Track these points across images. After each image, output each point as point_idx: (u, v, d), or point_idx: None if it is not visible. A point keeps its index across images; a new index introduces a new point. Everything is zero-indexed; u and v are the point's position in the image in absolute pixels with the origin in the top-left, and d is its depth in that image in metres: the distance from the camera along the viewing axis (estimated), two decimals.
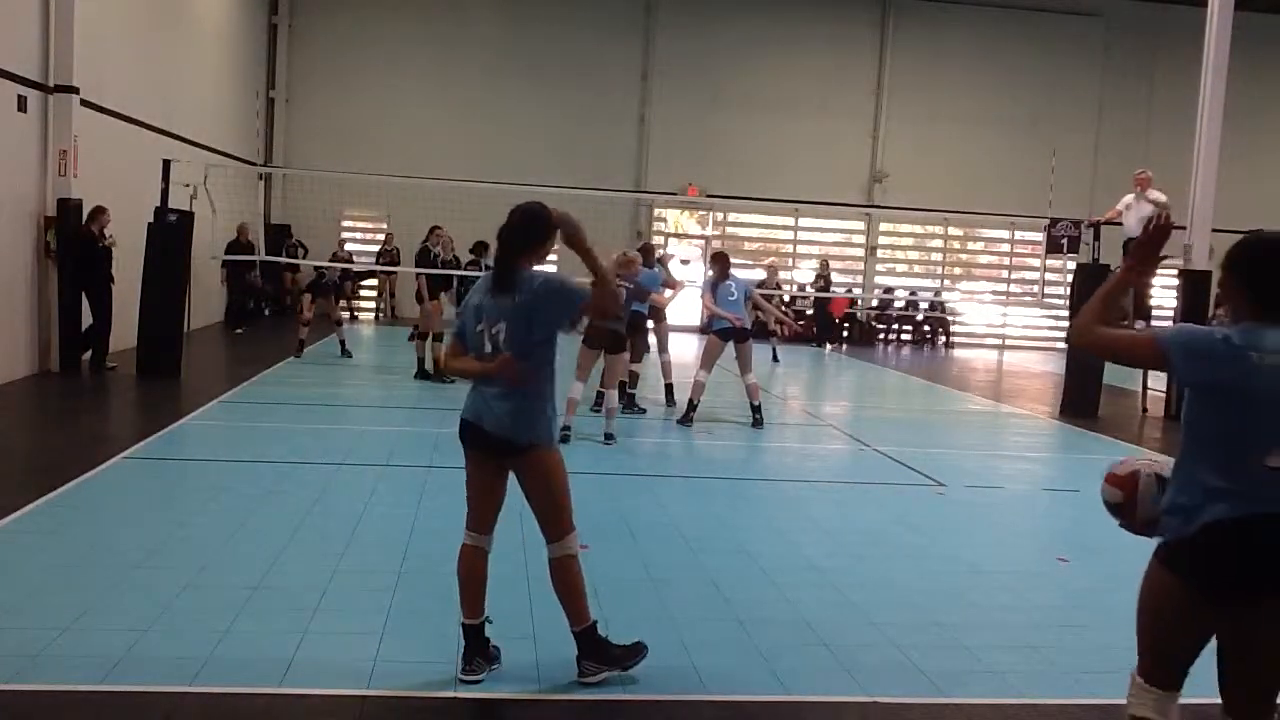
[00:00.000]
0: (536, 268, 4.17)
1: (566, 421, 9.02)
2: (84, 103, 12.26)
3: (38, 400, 10.70)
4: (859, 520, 7.42)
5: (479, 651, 4.19)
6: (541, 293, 4.02)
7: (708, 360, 10.75)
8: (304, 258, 21.11)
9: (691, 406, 10.67)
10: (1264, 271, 2.86)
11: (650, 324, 12.15)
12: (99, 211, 12.01)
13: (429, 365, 12.91)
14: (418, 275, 13.54)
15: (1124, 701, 3.70)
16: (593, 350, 9.43)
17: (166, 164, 12.67)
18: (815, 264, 23.65)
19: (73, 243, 11.87)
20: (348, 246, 22.10)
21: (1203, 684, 4.61)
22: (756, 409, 10.65)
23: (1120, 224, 13.38)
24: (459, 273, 13.57)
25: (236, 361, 14.70)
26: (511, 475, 4.21)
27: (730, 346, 10.67)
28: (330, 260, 20.88)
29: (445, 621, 4.77)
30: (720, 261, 10.84)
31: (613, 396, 9.53)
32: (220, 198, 14.65)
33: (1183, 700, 4.02)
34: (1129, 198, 13.34)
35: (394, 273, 20.76)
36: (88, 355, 12.17)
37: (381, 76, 22.38)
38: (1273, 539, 2.77)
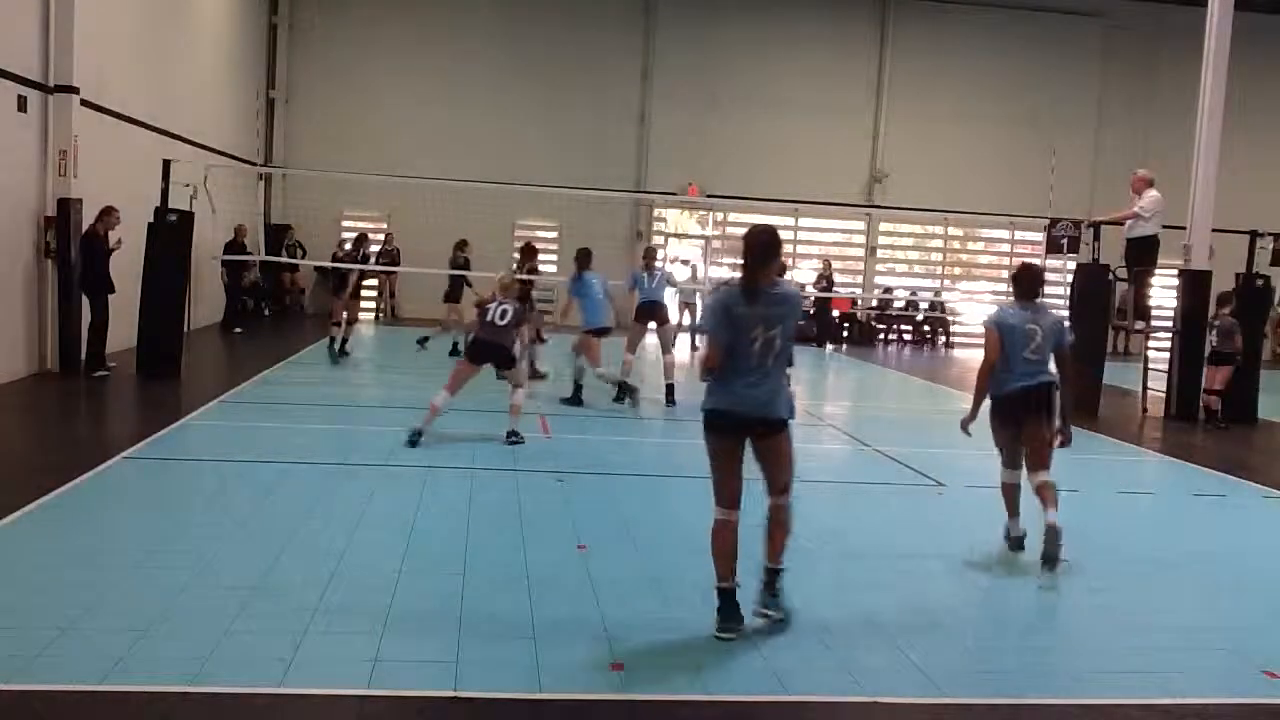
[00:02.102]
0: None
1: (420, 426, 8.75)
2: (84, 103, 12.25)
3: (37, 400, 10.70)
4: (859, 520, 7.42)
5: (734, 613, 4.79)
6: (794, 305, 4.93)
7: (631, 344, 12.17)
8: (302, 258, 21.10)
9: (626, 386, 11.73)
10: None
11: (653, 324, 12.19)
12: (107, 212, 11.94)
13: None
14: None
15: (1124, 701, 4.12)
16: (475, 366, 9.12)
17: (166, 164, 12.66)
18: (816, 264, 23.64)
19: (80, 242, 11.82)
20: (347, 246, 22.10)
21: (1204, 685, 4.63)
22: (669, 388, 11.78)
23: (1121, 224, 13.36)
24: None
25: (236, 361, 14.70)
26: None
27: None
28: (331, 260, 20.94)
29: (445, 621, 4.78)
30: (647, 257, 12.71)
31: (520, 394, 9.31)
32: (220, 198, 14.65)
33: (1185, 701, 4.09)
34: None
35: (394, 273, 20.76)
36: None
37: (381, 76, 22.38)
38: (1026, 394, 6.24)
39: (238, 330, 17.70)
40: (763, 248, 4.81)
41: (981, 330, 6.65)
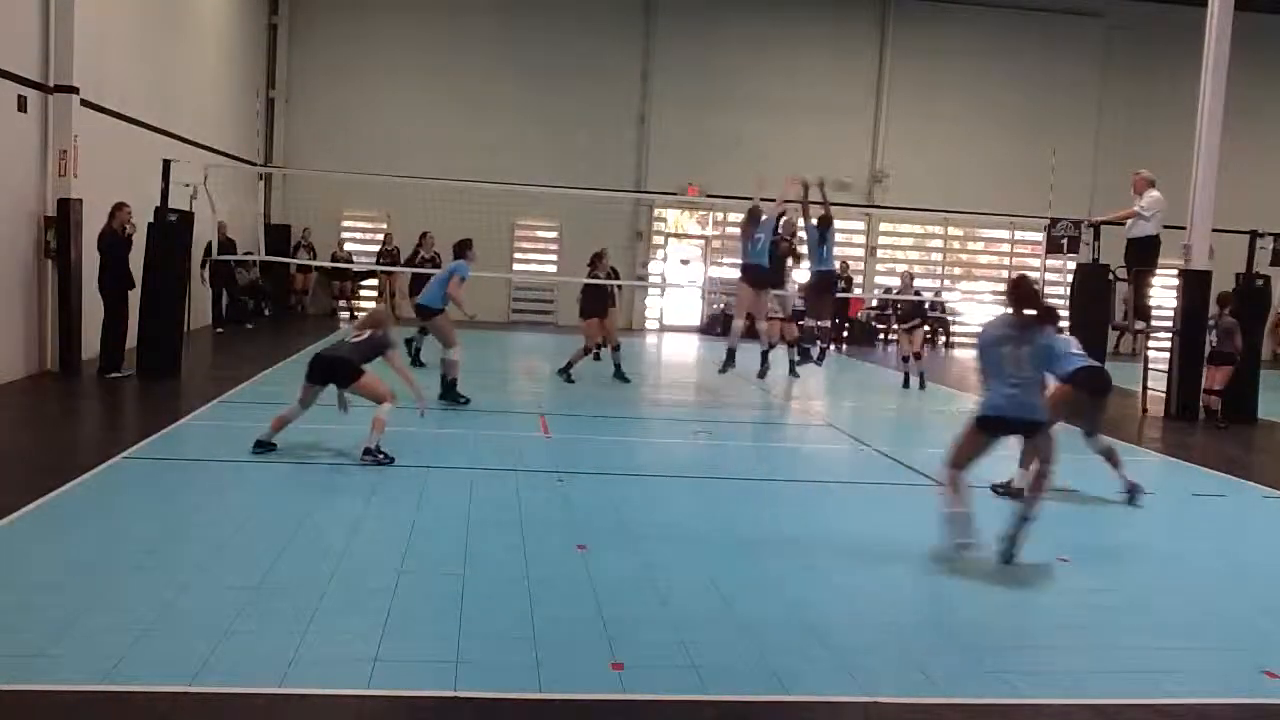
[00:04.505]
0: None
1: (271, 438, 8.24)
2: (84, 103, 12.25)
3: (37, 400, 10.70)
4: (859, 520, 7.42)
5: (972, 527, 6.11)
6: (1052, 347, 6.42)
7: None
8: (311, 259, 21.03)
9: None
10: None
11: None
12: (118, 208, 11.85)
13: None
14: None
15: (1124, 701, 4.12)
16: (312, 385, 8.46)
17: (166, 164, 12.65)
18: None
19: (99, 242, 11.78)
20: (347, 246, 22.13)
21: (1204, 685, 4.63)
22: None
23: (1122, 224, 13.38)
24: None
25: (236, 361, 14.68)
26: None
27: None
28: (331, 260, 20.94)
29: (445, 621, 4.78)
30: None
31: (385, 409, 8.28)
32: (220, 198, 14.64)
33: (1185, 701, 4.10)
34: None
35: (394, 273, 20.76)
36: (97, 356, 11.94)
37: (381, 76, 22.38)
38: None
39: (219, 330, 17.48)
40: (1030, 293, 6.31)
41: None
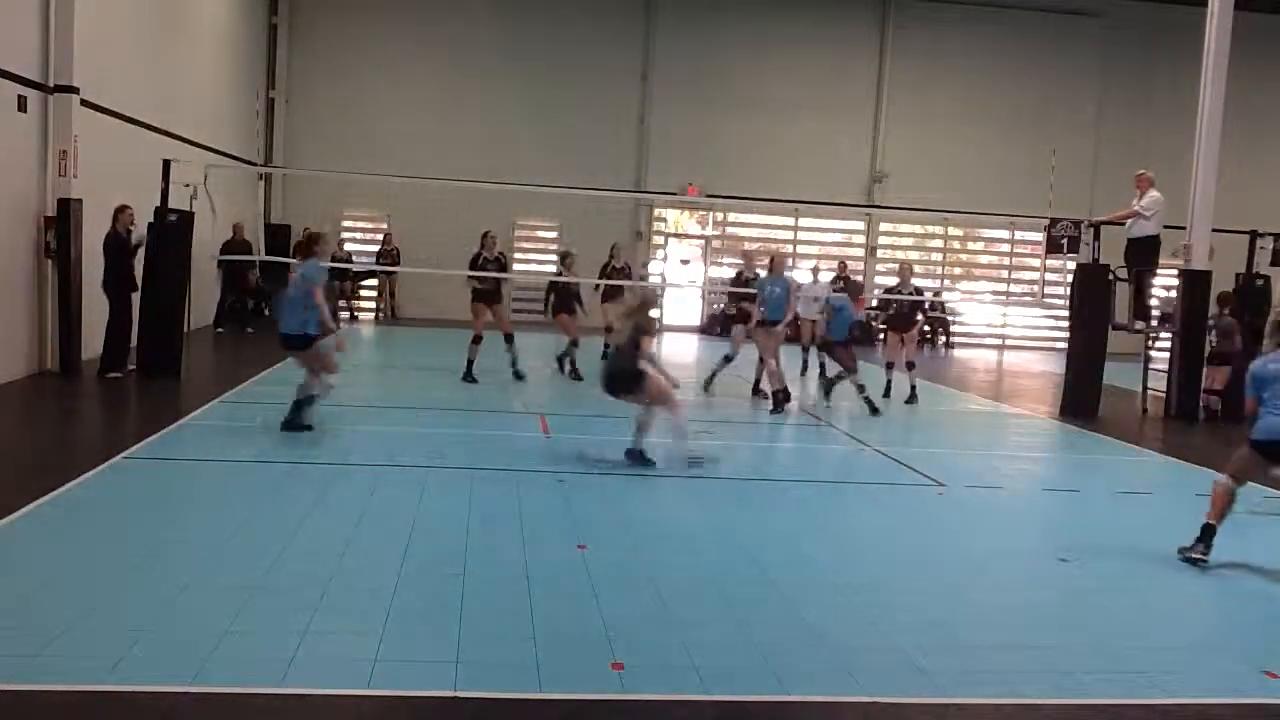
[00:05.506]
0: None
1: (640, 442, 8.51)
2: (84, 103, 12.24)
3: (38, 400, 10.70)
4: (859, 520, 7.43)
5: (1212, 543, 6.36)
6: None
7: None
8: None
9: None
10: None
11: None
12: (121, 210, 11.85)
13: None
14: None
15: (1124, 701, 4.18)
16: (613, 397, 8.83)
17: (166, 164, 12.65)
18: (819, 263, 23.59)
19: (104, 244, 11.77)
20: (347, 246, 22.11)
21: (1204, 685, 4.63)
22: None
23: (1122, 224, 13.38)
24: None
25: (236, 361, 14.68)
26: None
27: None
28: (330, 260, 20.90)
29: (445, 621, 4.78)
30: None
31: (680, 416, 8.68)
32: (220, 198, 14.63)
33: (1185, 701, 4.09)
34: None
35: (394, 272, 20.75)
36: (97, 356, 11.92)
37: (381, 76, 22.38)
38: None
39: (219, 330, 17.52)
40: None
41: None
